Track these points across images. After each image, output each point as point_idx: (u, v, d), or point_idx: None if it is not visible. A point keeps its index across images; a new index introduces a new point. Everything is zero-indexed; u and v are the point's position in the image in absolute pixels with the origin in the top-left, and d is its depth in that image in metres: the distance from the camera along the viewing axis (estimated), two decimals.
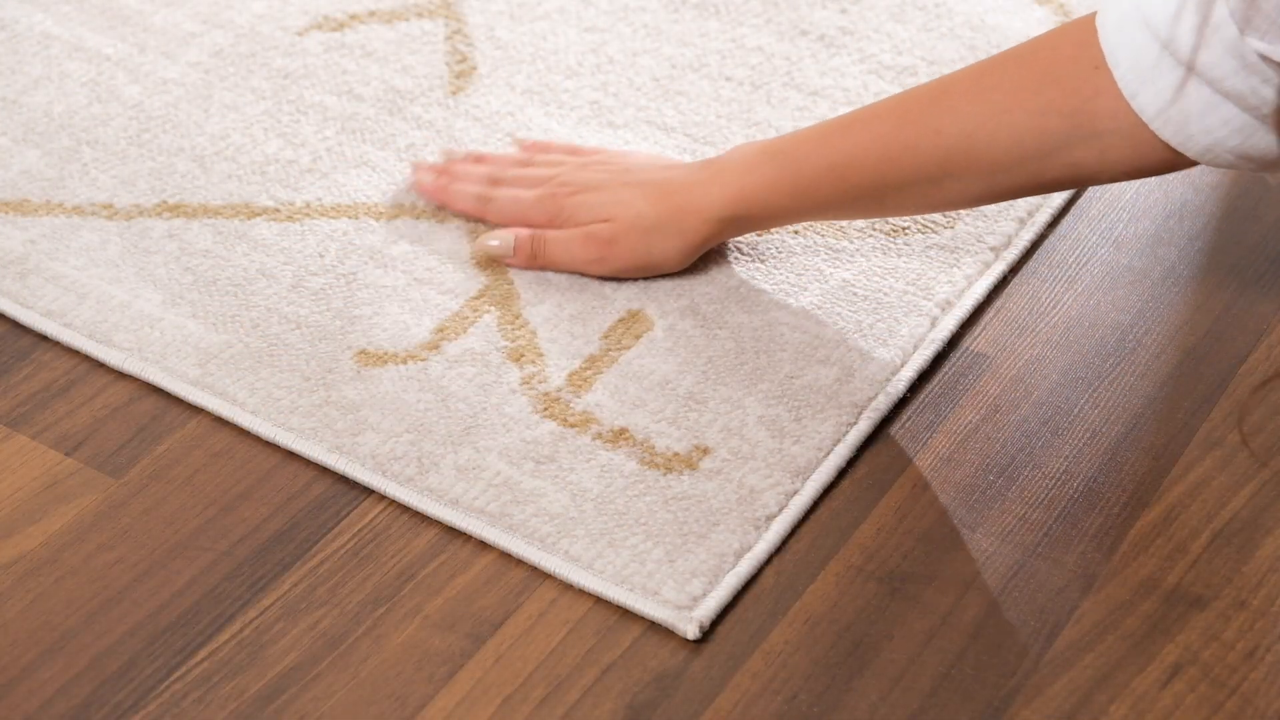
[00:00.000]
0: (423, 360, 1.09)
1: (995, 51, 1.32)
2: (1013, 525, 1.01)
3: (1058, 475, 1.04)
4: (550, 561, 0.99)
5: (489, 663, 0.94)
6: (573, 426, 1.05)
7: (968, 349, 1.12)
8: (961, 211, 1.20)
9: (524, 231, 1.14)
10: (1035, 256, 1.18)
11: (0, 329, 1.11)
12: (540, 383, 1.08)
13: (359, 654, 0.95)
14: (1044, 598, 0.98)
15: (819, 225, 1.18)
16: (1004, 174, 1.03)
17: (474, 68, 1.31)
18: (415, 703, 0.93)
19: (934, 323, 1.12)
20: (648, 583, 0.97)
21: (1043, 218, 1.20)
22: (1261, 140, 0.95)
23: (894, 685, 0.94)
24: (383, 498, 1.02)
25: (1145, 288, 1.15)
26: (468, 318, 1.12)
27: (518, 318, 1.12)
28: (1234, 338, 1.12)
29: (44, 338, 1.11)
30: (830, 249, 1.17)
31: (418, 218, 1.19)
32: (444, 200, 1.18)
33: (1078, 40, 0.99)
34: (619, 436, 1.05)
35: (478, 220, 1.17)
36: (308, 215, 1.19)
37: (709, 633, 0.96)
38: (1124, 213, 1.21)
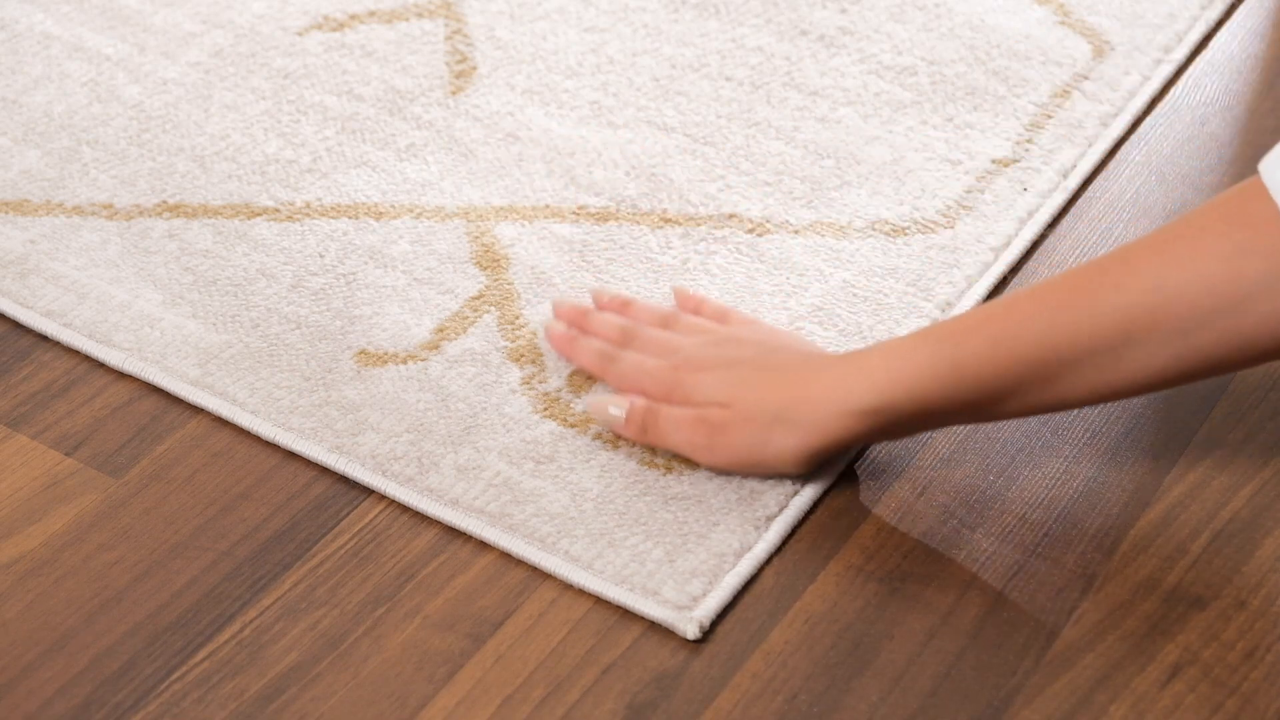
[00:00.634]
0: (423, 360, 1.09)
1: (994, 51, 1.32)
2: (1013, 525, 1.01)
3: (1058, 475, 1.04)
4: (550, 561, 0.99)
5: (489, 663, 0.94)
6: (573, 427, 1.05)
7: None
8: (962, 211, 1.20)
9: (640, 402, 1.03)
10: (1035, 256, 1.18)
11: (0, 329, 1.11)
12: (540, 383, 1.08)
13: (359, 654, 0.95)
14: (1044, 598, 0.98)
15: (818, 224, 1.18)
16: (1195, 334, 0.92)
17: (474, 68, 1.31)
18: (415, 703, 0.93)
19: (935, 323, 1.12)
20: (648, 583, 0.97)
21: (1043, 217, 1.20)
22: None
23: (894, 685, 0.94)
24: (383, 498, 1.02)
25: None
26: (468, 318, 1.12)
27: (518, 318, 1.12)
28: None
29: (44, 338, 1.11)
30: (830, 249, 1.17)
31: (418, 218, 1.19)
32: (569, 353, 1.08)
33: (1250, 194, 0.91)
34: (619, 436, 1.05)
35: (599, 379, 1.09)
36: (308, 215, 1.19)
37: (709, 633, 0.96)
38: (1124, 213, 1.21)
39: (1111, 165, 1.25)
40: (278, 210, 1.19)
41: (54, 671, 0.93)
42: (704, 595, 0.97)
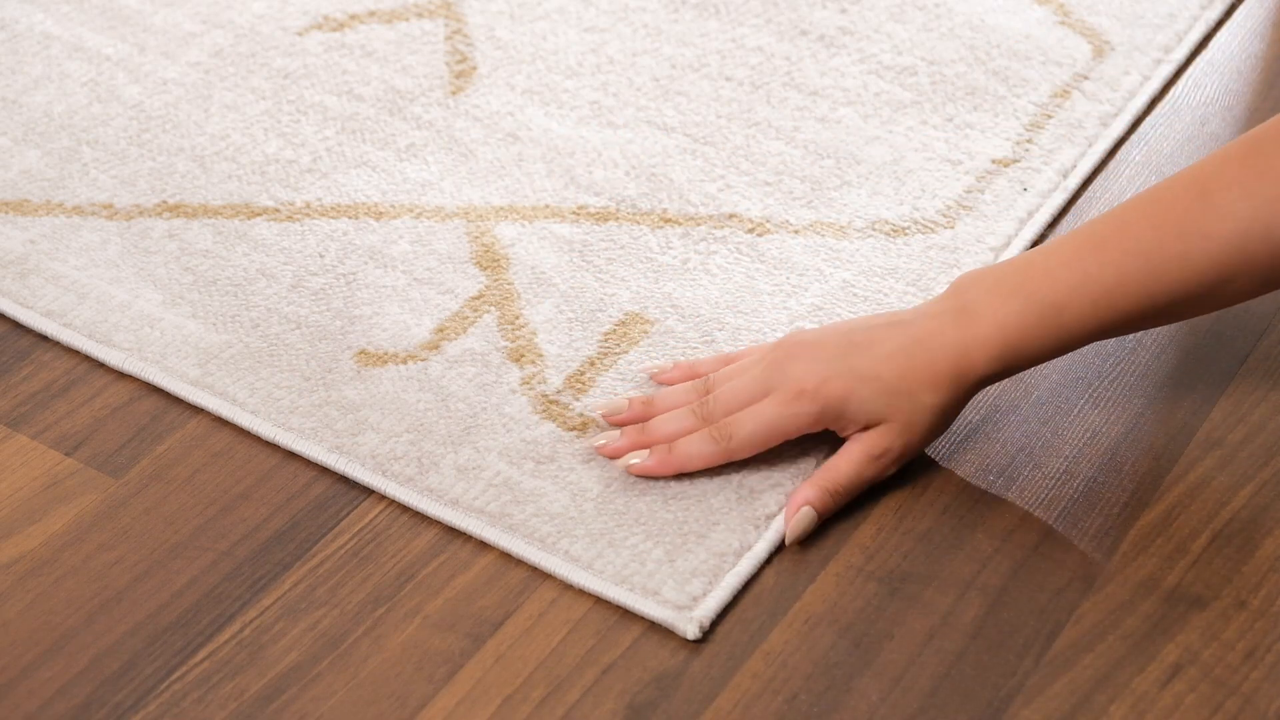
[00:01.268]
0: (423, 360, 1.09)
1: (994, 51, 1.32)
2: (1013, 525, 1.01)
3: (1058, 475, 1.04)
4: (550, 561, 0.99)
5: (489, 663, 0.94)
6: (572, 429, 1.05)
7: None
8: (962, 211, 1.20)
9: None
10: None
11: (0, 329, 1.11)
12: (540, 383, 1.08)
13: (359, 654, 0.95)
14: (1044, 598, 0.98)
15: (818, 224, 1.18)
16: None
17: (474, 68, 1.31)
18: (415, 703, 0.93)
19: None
20: (648, 583, 0.97)
21: (1043, 217, 1.20)
22: None
23: (894, 685, 0.94)
24: (383, 498, 1.02)
25: None
26: (468, 318, 1.12)
27: (518, 318, 1.12)
28: (1234, 338, 1.12)
29: (44, 338, 1.11)
30: (830, 249, 1.17)
31: (418, 218, 1.19)
32: (643, 439, 1.04)
33: None
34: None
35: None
36: (308, 215, 1.19)
37: (709, 632, 0.96)
38: None
39: (1111, 165, 1.25)
40: (278, 210, 1.19)
41: (54, 671, 0.93)
42: (704, 595, 0.97)
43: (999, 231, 1.19)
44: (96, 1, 1.35)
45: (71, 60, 1.30)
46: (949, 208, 1.20)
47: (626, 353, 1.10)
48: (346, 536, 1.00)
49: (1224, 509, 1.02)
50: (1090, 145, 1.26)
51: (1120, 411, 1.08)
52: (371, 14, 1.35)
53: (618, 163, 1.23)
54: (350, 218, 1.19)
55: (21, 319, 1.12)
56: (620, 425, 1.05)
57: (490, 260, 1.16)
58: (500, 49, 1.32)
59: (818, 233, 1.18)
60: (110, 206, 1.19)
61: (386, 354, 1.10)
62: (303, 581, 0.98)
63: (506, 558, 0.99)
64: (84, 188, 1.20)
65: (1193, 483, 1.04)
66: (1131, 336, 1.12)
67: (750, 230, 1.18)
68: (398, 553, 0.99)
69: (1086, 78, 1.31)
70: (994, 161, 1.24)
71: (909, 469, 1.04)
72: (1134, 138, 1.27)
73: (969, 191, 1.22)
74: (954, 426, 1.06)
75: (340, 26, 1.34)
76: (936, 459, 1.05)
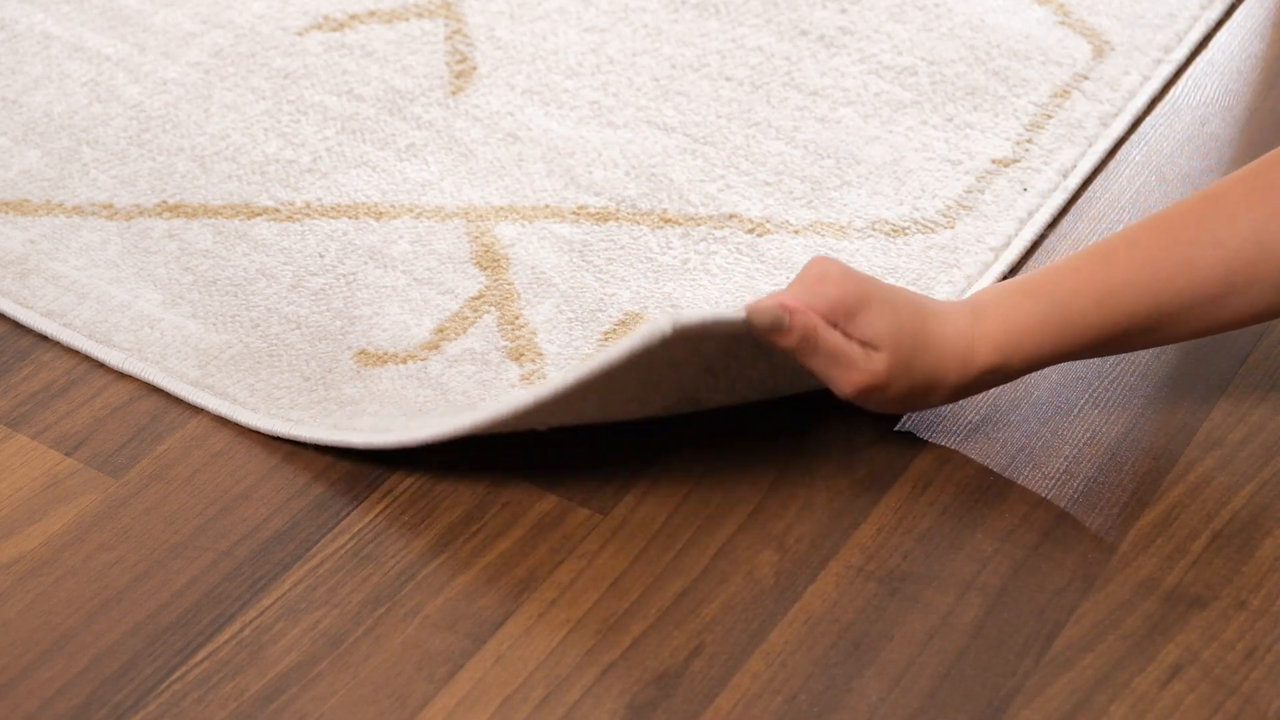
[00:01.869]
0: (422, 360, 1.09)
1: (994, 51, 1.32)
2: (1013, 525, 1.01)
3: (1058, 475, 1.04)
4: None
5: (489, 663, 0.94)
6: None
7: None
8: (962, 211, 1.20)
9: (809, 317, 0.99)
10: (1035, 256, 1.18)
11: (0, 329, 1.11)
12: (540, 379, 1.08)
13: (359, 654, 0.95)
14: (1044, 598, 0.98)
15: (818, 224, 1.18)
16: None
17: (474, 68, 1.31)
18: (415, 703, 0.93)
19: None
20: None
21: (1043, 217, 1.20)
22: None
23: (894, 685, 0.94)
24: (383, 498, 1.02)
25: None
26: (468, 318, 1.12)
27: (517, 318, 1.12)
28: (1234, 337, 1.12)
29: (44, 338, 1.11)
30: (830, 249, 1.17)
31: (418, 218, 1.19)
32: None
33: None
34: None
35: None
36: (308, 215, 1.19)
37: (709, 632, 0.96)
38: (1124, 213, 1.21)
39: (1111, 165, 1.25)
40: (278, 210, 1.19)
41: (54, 671, 0.93)
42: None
43: (999, 231, 1.19)
44: (96, 1, 1.35)
45: (71, 60, 1.30)
46: (949, 208, 1.20)
47: None
48: (346, 536, 1.00)
49: (1224, 509, 1.02)
50: (1090, 145, 1.26)
51: (1120, 411, 1.08)
52: (371, 14, 1.35)
53: (618, 163, 1.23)
54: (350, 218, 1.19)
55: (21, 319, 1.12)
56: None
57: (490, 260, 1.16)
58: (500, 49, 1.32)
59: (818, 233, 1.18)
60: (110, 206, 1.19)
61: (386, 354, 1.10)
62: (303, 581, 0.98)
63: (507, 557, 0.99)
64: (84, 188, 1.20)
65: (1193, 483, 1.04)
66: None
67: (750, 230, 1.18)
68: (398, 553, 0.99)
69: (1086, 78, 1.31)
70: (994, 161, 1.24)
71: (909, 469, 1.04)
72: (1134, 138, 1.27)
73: (969, 191, 1.22)
74: (954, 426, 1.06)
75: (340, 26, 1.34)
76: (937, 459, 1.05)
